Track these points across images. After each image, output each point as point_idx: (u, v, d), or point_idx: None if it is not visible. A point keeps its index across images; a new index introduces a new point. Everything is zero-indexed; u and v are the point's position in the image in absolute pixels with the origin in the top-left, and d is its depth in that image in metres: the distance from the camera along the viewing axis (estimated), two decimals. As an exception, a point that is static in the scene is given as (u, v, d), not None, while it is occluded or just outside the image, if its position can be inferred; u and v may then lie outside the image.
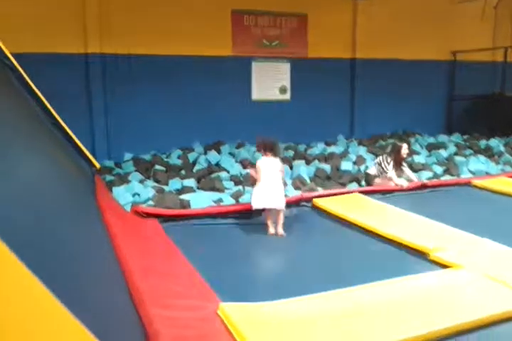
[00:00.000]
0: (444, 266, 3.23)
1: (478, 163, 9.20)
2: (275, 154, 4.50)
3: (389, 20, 11.61)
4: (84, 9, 8.85)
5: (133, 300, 2.14)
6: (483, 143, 11.12)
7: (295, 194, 5.98)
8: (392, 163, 5.83)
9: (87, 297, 1.81)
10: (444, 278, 2.92)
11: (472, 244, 3.53)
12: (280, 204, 4.09)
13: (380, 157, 6.18)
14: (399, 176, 5.94)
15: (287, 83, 10.99)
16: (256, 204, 4.10)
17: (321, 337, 2.14)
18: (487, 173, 8.45)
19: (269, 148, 4.48)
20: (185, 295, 2.38)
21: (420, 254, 3.48)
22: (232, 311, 2.24)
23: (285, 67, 10.81)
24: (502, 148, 10.54)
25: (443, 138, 11.73)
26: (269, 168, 4.30)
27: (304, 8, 10.72)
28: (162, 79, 9.69)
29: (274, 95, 10.85)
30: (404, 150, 5.94)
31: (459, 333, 2.30)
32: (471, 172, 8.58)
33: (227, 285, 2.87)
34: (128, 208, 5.58)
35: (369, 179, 6.28)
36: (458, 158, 9.28)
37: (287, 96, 11.05)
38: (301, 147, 10.07)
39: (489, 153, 10.27)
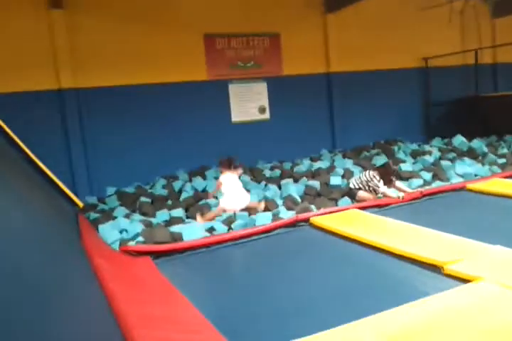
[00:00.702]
0: (461, 279, 3.04)
1: (465, 165, 9.14)
2: (232, 168, 6.29)
3: (359, 31, 11.72)
4: (54, 45, 8.69)
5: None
6: (465, 145, 11.12)
7: (289, 215, 5.78)
8: (381, 181, 5.84)
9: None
10: (469, 294, 2.72)
11: (485, 252, 3.36)
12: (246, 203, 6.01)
13: (367, 174, 6.15)
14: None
15: (265, 102, 10.91)
16: (229, 207, 5.92)
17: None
18: (476, 175, 8.38)
19: (225, 165, 6.29)
20: (191, 345, 2.13)
21: (433, 268, 3.29)
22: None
23: (262, 87, 10.73)
24: (485, 149, 10.54)
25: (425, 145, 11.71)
26: (230, 180, 6.14)
27: (276, 27, 10.73)
28: (139, 108, 9.51)
29: (254, 115, 10.74)
30: (391, 167, 6.15)
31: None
32: (459, 175, 8.50)
33: (235, 325, 2.63)
34: (116, 246, 5.29)
35: (352, 193, 6.26)
36: (444, 163, 9.21)
37: (267, 115, 10.95)
38: (287, 165, 9.91)
39: (473, 154, 10.25)
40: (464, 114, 12.76)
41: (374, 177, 5.90)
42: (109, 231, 5.78)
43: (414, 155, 10.31)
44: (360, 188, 6.12)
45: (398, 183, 6.02)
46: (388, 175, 5.90)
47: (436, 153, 10.47)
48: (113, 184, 8.94)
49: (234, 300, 3.05)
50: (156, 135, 9.65)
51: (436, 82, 12.90)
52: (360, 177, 6.24)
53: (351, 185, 6.32)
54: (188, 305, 2.77)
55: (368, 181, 6.00)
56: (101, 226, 5.97)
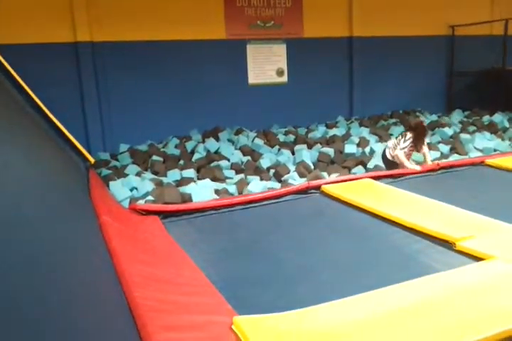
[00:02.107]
0: (473, 257, 2.96)
1: (484, 139, 8.91)
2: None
3: (385, -6, 11.25)
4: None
5: (134, 321, 1.87)
6: (486, 119, 10.81)
7: (300, 182, 5.70)
8: (409, 141, 5.40)
9: (76, 317, 1.53)
10: (482, 272, 2.64)
11: (500, 230, 3.26)
12: None
13: (399, 137, 5.69)
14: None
15: (284, 65, 10.63)
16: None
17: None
18: (495, 150, 8.17)
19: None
20: (193, 309, 2.10)
21: (445, 244, 3.21)
22: (248, 326, 1.97)
23: (281, 49, 10.43)
24: (506, 124, 10.25)
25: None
26: None
27: (299, -15, 10.32)
28: (155, 66, 9.34)
29: (271, 78, 10.50)
30: (424, 128, 5.59)
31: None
32: (478, 150, 8.30)
33: (239, 290, 2.60)
34: (126, 204, 5.30)
35: (387, 161, 5.76)
36: (463, 136, 8.99)
37: (284, 78, 10.70)
38: (302, 131, 9.76)
39: (493, 129, 9.97)
40: (488, 86, 12.34)
41: (404, 136, 5.45)
42: (120, 189, 5.79)
43: (433, 126, 10.06)
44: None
45: (426, 149, 5.57)
46: (420, 136, 5.42)
47: (455, 126, 10.21)
48: (126, 141, 8.91)
49: (240, 264, 3.02)
50: (171, 93, 9.51)
51: (462, 51, 12.42)
52: (393, 142, 5.72)
53: (387, 153, 5.75)
54: (193, 267, 2.74)
55: (398, 142, 5.53)
56: (112, 183, 5.98)
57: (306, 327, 2.06)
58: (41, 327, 1.24)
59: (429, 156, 5.70)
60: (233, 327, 2.01)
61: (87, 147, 8.38)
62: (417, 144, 5.47)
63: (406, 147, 5.46)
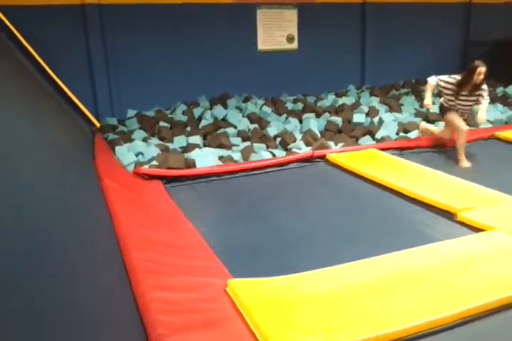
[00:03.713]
0: (474, 228, 2.96)
1: (496, 111, 8.74)
2: None
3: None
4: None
5: (129, 280, 1.90)
6: (499, 90, 10.58)
7: (306, 150, 5.66)
8: (453, 80, 4.52)
9: (72, 275, 1.56)
10: (482, 242, 2.64)
11: (503, 203, 3.24)
12: None
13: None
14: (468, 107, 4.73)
15: (294, 31, 10.37)
16: None
17: (344, 316, 1.91)
18: (506, 123, 8.02)
19: None
20: (189, 270, 2.14)
21: (446, 214, 3.21)
22: (242, 289, 2.00)
23: (292, 14, 10.15)
24: (521, 96, 10.03)
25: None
26: None
27: None
28: (163, 29, 9.15)
29: (281, 44, 10.26)
30: (480, 73, 4.54)
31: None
32: (489, 121, 8.16)
33: (237, 255, 2.63)
34: (131, 169, 5.32)
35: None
36: (475, 107, 8.81)
37: (295, 45, 10.46)
38: (311, 99, 9.62)
39: (507, 101, 9.77)
40: (504, 57, 12.01)
41: (453, 77, 4.52)
42: (126, 154, 5.79)
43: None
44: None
45: (484, 103, 4.54)
46: (469, 78, 4.44)
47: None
48: (134, 107, 8.85)
49: (239, 230, 3.04)
50: (180, 58, 9.36)
51: (478, 20, 12.03)
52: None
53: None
54: (193, 231, 2.77)
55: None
56: (117, 148, 5.98)
57: (297, 291, 2.09)
58: (39, 289, 1.25)
59: (483, 113, 4.65)
60: (227, 289, 2.05)
61: (95, 112, 8.34)
62: (462, 88, 4.51)
63: (444, 81, 4.60)
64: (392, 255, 2.52)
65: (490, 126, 7.64)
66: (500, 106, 9.11)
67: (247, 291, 1.99)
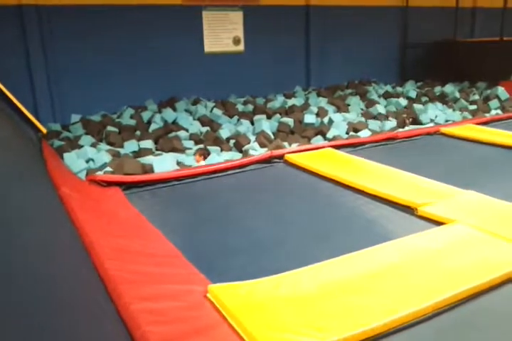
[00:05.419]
0: (434, 222, 3.07)
1: (437, 110, 9.17)
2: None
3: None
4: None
5: (107, 292, 1.82)
6: (438, 89, 11.10)
7: (261, 152, 5.68)
8: None
9: (48, 294, 1.47)
10: (444, 235, 2.74)
11: (458, 196, 3.38)
12: None
13: None
14: None
15: (240, 33, 10.42)
16: None
17: (329, 314, 1.92)
18: (447, 121, 8.43)
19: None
20: (167, 279, 2.07)
21: (406, 209, 3.31)
22: (224, 294, 1.97)
23: (238, 16, 10.19)
24: (457, 94, 10.56)
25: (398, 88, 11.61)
26: None
27: None
28: (106, 32, 8.92)
29: (228, 46, 10.29)
30: None
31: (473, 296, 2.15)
32: (432, 120, 8.54)
33: (209, 259, 2.59)
34: (82, 176, 5.13)
35: None
36: (417, 106, 9.21)
37: (241, 47, 10.52)
38: (260, 100, 9.69)
39: (445, 99, 10.27)
40: (440, 57, 12.63)
41: None
42: (75, 160, 5.59)
43: (387, 97, 10.24)
44: None
45: None
46: None
47: (410, 95, 10.42)
48: (78, 111, 8.56)
49: (208, 234, 2.99)
50: (124, 62, 9.15)
51: (415, 23, 12.59)
52: None
53: None
54: (162, 238, 2.69)
55: None
56: (66, 155, 5.75)
57: (280, 292, 2.08)
58: (8, 309, 1.16)
59: None
60: (208, 295, 2.00)
61: (36, 117, 7.98)
62: None
63: None
64: (363, 252, 2.57)
65: (433, 124, 8.00)
66: (439, 104, 9.57)
67: (230, 296, 1.96)
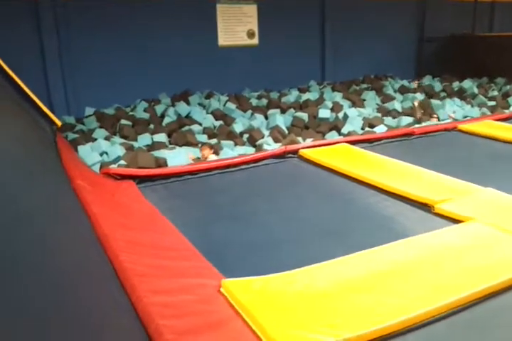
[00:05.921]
0: (451, 219, 3.02)
1: (454, 105, 9.03)
2: None
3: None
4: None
5: (122, 285, 1.81)
6: (456, 85, 10.93)
7: (275, 147, 5.64)
8: None
9: (65, 285, 1.46)
10: (461, 234, 2.69)
11: (476, 194, 3.32)
12: None
13: None
14: None
15: (255, 27, 10.35)
16: None
17: (343, 311, 1.89)
18: (465, 117, 8.29)
19: None
20: (180, 272, 2.06)
21: (423, 207, 3.25)
22: (237, 288, 1.95)
23: (252, 9, 10.12)
24: (475, 90, 10.39)
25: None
26: None
27: None
28: (122, 26, 8.91)
29: (242, 40, 10.22)
30: None
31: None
32: (449, 115, 8.41)
33: (223, 253, 2.57)
34: (96, 169, 5.14)
35: None
36: (434, 102, 9.07)
37: (255, 40, 10.44)
38: (274, 95, 9.63)
39: (463, 95, 10.11)
40: (457, 52, 12.42)
41: None
42: (90, 153, 5.60)
43: (404, 92, 10.11)
44: None
45: None
46: None
47: (435, 89, 10.28)
48: (92, 105, 8.59)
49: (221, 229, 2.98)
50: (138, 55, 9.15)
51: (432, 16, 12.39)
52: None
53: None
54: (176, 232, 2.68)
55: None
56: (80, 148, 5.77)
57: (294, 288, 2.06)
58: (24, 302, 1.16)
59: None
60: (222, 289, 1.99)
61: (51, 111, 8.03)
62: None
63: None
64: (379, 249, 2.53)
65: (450, 119, 7.88)
66: (457, 100, 9.42)
67: (244, 291, 1.94)
